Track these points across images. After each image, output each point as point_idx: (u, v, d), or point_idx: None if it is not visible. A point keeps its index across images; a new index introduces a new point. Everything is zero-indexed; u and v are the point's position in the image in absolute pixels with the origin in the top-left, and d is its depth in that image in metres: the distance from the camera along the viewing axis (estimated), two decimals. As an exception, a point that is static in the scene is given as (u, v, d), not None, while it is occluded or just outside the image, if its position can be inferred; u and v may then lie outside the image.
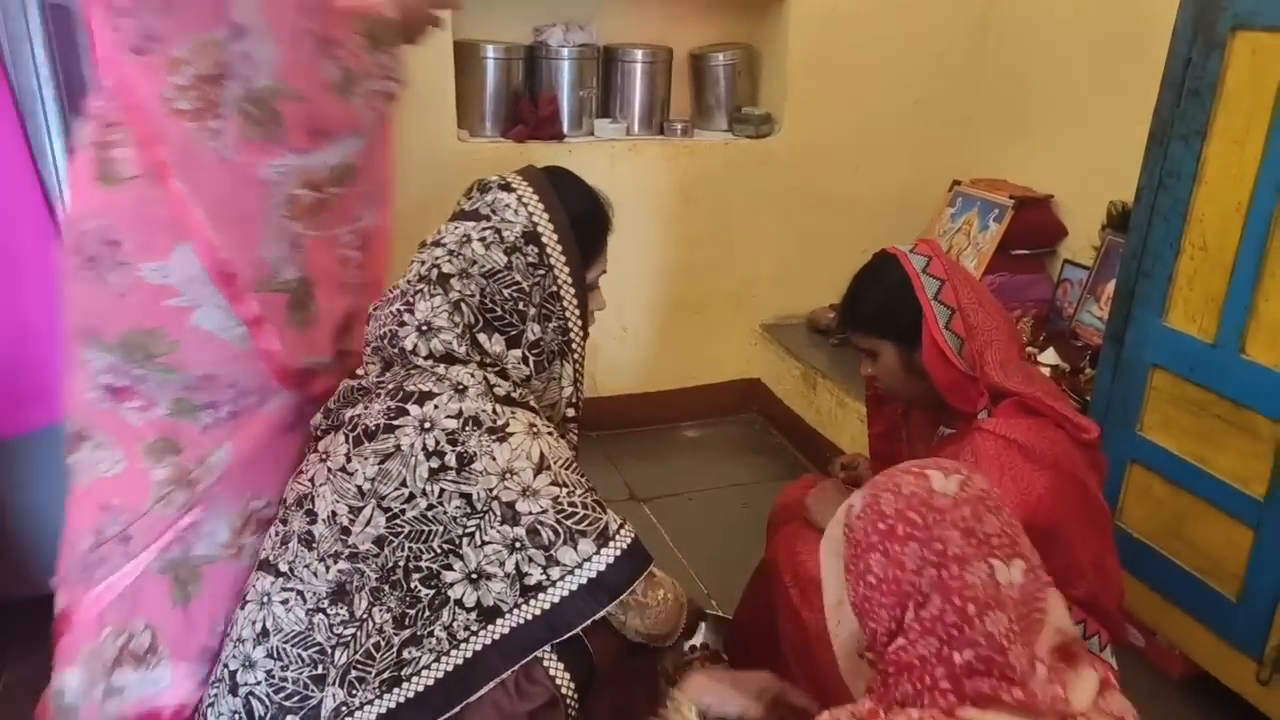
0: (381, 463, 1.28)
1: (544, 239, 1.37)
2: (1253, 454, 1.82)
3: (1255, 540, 1.83)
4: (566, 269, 1.38)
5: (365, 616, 1.27)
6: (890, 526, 1.02)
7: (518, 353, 1.37)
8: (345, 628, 1.28)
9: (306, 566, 1.31)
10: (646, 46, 2.96)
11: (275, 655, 1.30)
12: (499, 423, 1.28)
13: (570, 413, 1.45)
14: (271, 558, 1.36)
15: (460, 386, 1.30)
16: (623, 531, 1.30)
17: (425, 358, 1.34)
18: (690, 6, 3.08)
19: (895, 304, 1.56)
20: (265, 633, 1.32)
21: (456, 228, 1.38)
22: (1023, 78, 3.01)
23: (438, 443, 1.26)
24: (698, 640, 1.99)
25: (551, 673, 1.30)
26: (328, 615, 1.29)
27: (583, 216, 1.43)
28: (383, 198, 1.70)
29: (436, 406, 1.28)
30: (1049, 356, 2.50)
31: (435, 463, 1.25)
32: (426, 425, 1.27)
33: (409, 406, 1.29)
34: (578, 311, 1.40)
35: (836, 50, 3.02)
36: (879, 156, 3.19)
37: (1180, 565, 1.98)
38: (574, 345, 1.41)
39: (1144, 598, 2.04)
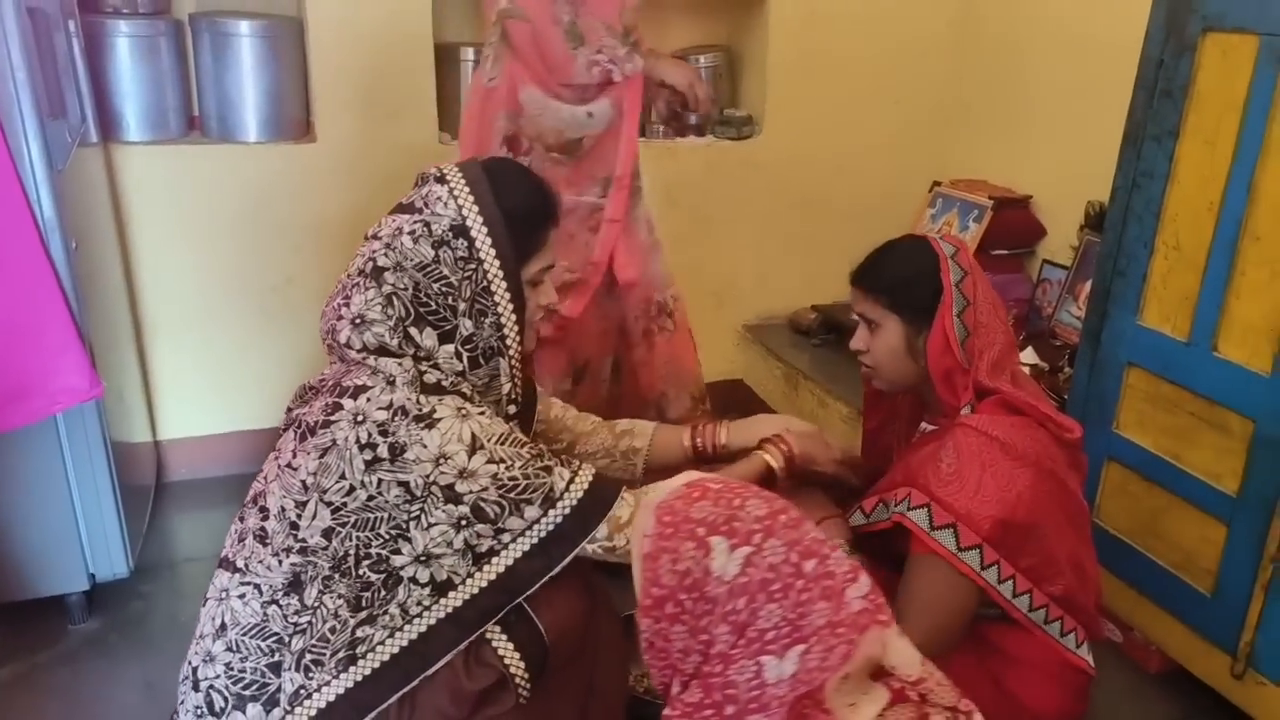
0: (321, 457, 1.29)
1: (473, 232, 1.34)
2: (1226, 450, 1.84)
3: (1228, 536, 1.84)
4: (497, 263, 1.34)
5: (316, 604, 1.28)
6: (661, 598, 0.96)
7: (450, 348, 1.34)
8: (300, 616, 1.29)
9: (260, 562, 1.32)
10: (628, 49, 2.97)
11: (234, 648, 1.31)
12: (425, 410, 1.28)
13: (512, 409, 1.43)
14: (230, 555, 1.37)
15: (390, 378, 1.30)
16: (573, 487, 1.31)
17: (359, 350, 1.34)
18: (671, 9, 3.09)
19: (918, 280, 1.57)
20: (224, 627, 1.33)
21: (393, 220, 1.37)
22: (1001, 79, 3.03)
23: (370, 435, 1.27)
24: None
25: (500, 652, 1.31)
26: (282, 606, 1.30)
27: (518, 209, 1.38)
28: (618, 186, 2.12)
29: (369, 400, 1.29)
30: (1028, 356, 2.52)
31: (369, 455, 1.27)
32: (359, 418, 1.29)
33: (344, 401, 1.31)
34: (511, 306, 1.36)
35: (816, 52, 3.04)
36: (859, 158, 3.20)
37: (1156, 561, 2.00)
38: (509, 341, 1.38)
39: (1121, 593, 2.06)
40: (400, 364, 1.31)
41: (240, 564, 1.34)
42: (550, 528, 1.29)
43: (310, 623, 1.28)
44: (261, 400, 2.72)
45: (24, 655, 2.05)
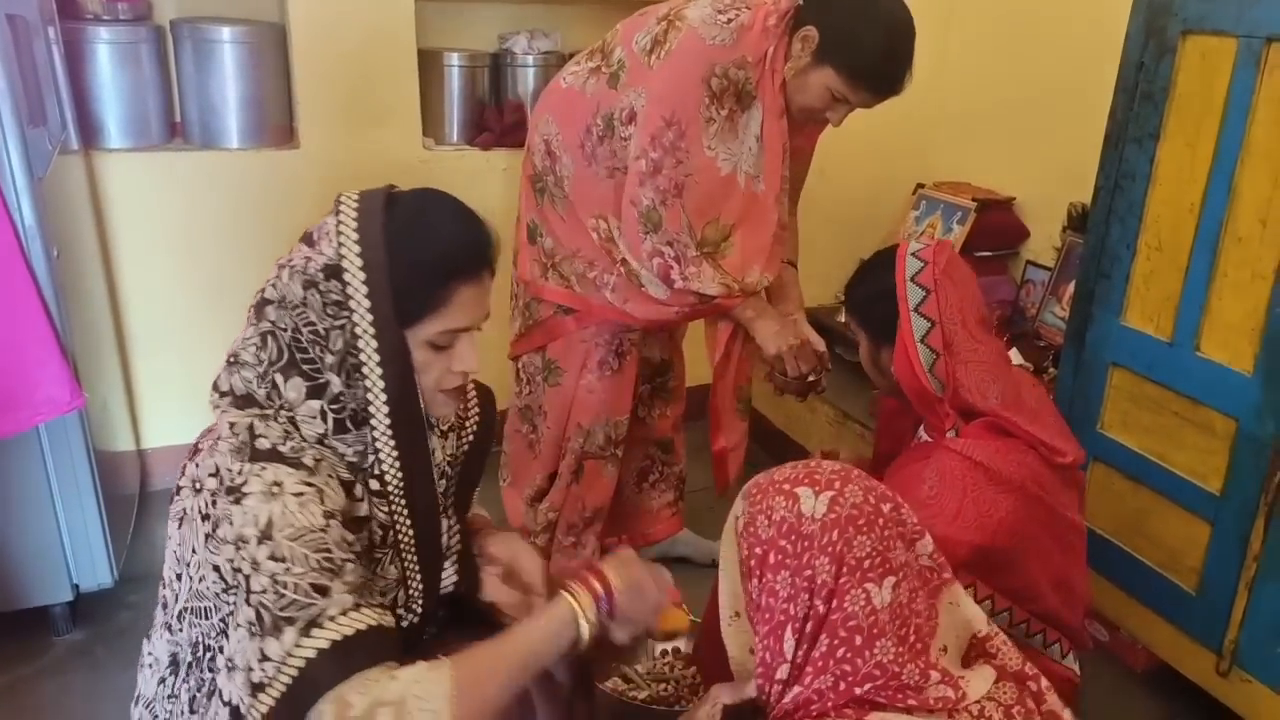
0: (179, 527, 1.16)
1: (346, 275, 1.12)
2: (1209, 450, 1.86)
3: (1213, 534, 1.86)
4: (369, 316, 1.12)
5: (177, 693, 1.18)
6: (763, 554, 1.03)
7: (317, 404, 1.13)
8: (170, 703, 1.20)
9: (156, 632, 1.23)
10: (611, 53, 2.97)
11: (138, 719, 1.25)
12: (237, 481, 1.08)
13: (375, 485, 1.18)
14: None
15: (217, 437, 1.13)
16: (341, 620, 1.05)
17: (222, 395, 1.17)
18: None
19: (876, 302, 1.58)
20: (139, 696, 1.27)
21: (295, 250, 1.19)
22: (983, 81, 3.05)
23: (205, 505, 1.11)
24: (668, 644, 2.00)
25: None
26: (166, 686, 1.21)
27: (415, 256, 1.14)
28: None
29: (199, 465, 1.14)
30: (1013, 357, 2.53)
31: (208, 527, 1.10)
32: (197, 486, 1.13)
33: (189, 464, 1.17)
34: (380, 369, 1.13)
35: (800, 56, 3.04)
36: (843, 161, 3.19)
37: (1141, 560, 2.02)
38: (374, 409, 1.14)
39: (1107, 592, 2.07)
40: (233, 420, 1.13)
41: (150, 631, 1.26)
42: (300, 663, 1.02)
43: (171, 712, 1.19)
44: (246, 408, 2.71)
45: (8, 668, 2.03)
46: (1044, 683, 1.14)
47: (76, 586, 2.07)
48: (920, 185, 3.12)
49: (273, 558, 1.05)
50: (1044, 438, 1.52)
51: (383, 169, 2.67)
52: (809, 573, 1.01)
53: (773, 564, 1.02)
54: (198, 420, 2.76)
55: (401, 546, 1.22)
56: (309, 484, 1.09)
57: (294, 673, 1.02)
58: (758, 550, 1.04)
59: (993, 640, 1.14)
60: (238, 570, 1.06)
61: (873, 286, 1.59)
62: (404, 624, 1.23)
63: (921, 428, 1.70)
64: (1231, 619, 1.83)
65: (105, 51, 2.41)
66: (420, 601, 1.25)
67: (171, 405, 2.69)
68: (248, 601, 1.05)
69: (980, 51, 3.05)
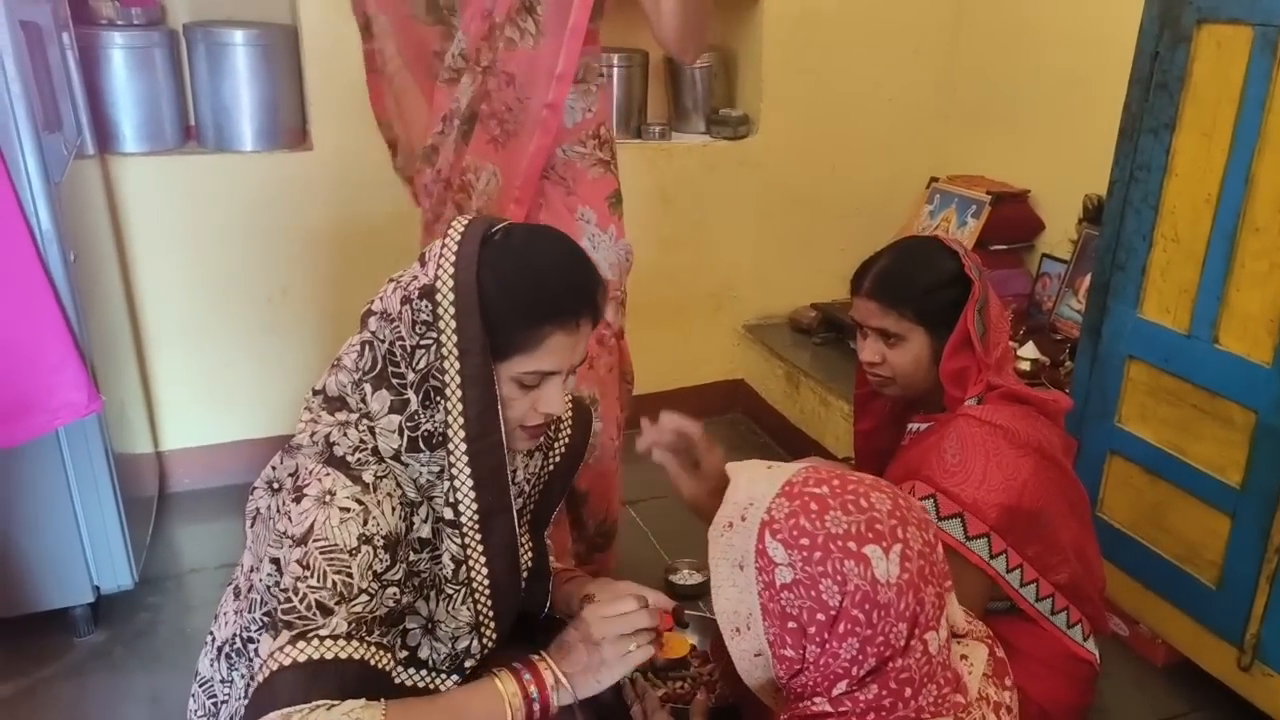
0: (251, 525, 1.22)
1: (438, 296, 1.11)
2: (1228, 442, 1.84)
3: (1233, 527, 1.84)
4: (455, 337, 1.11)
5: (231, 678, 1.23)
6: (830, 620, 0.96)
7: (396, 419, 1.13)
8: (224, 686, 1.23)
9: (224, 614, 1.27)
10: (622, 50, 2.97)
11: (194, 695, 1.28)
12: (304, 481, 1.11)
13: (449, 514, 1.17)
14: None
15: (297, 445, 1.17)
16: (327, 642, 1.04)
17: (317, 393, 1.20)
18: (665, 10, 3.09)
19: (946, 285, 1.56)
20: (196, 673, 1.30)
21: (410, 266, 1.20)
22: (996, 73, 3.03)
23: (281, 503, 1.15)
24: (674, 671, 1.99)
25: None
26: (218, 669, 1.24)
27: (507, 294, 1.13)
28: None
29: (275, 468, 1.20)
30: (1029, 350, 2.52)
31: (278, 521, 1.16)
32: (275, 486, 1.19)
33: (268, 468, 1.22)
34: (460, 393, 1.11)
35: (811, 50, 3.04)
36: (856, 155, 3.20)
37: (1160, 554, 2.00)
38: (451, 433, 1.13)
39: (1126, 587, 2.06)
40: (314, 434, 1.16)
41: (217, 610, 1.30)
42: (275, 666, 1.03)
43: (229, 696, 1.22)
44: (262, 409, 2.72)
45: (29, 669, 2.04)
46: (998, 649, 1.15)
47: (97, 588, 2.09)
48: (934, 179, 3.11)
49: (299, 562, 1.07)
50: (1047, 397, 1.59)
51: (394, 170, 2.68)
52: (882, 639, 0.95)
53: (841, 632, 0.95)
54: (215, 422, 2.80)
55: (475, 585, 1.20)
56: (359, 501, 1.10)
57: (267, 674, 1.03)
58: (820, 616, 0.96)
59: (972, 622, 1.15)
60: (282, 567, 1.09)
61: (940, 273, 1.57)
62: (467, 670, 1.24)
63: (911, 425, 1.70)
64: (1253, 613, 1.81)
65: (119, 56, 2.43)
66: (489, 648, 1.24)
67: (189, 407, 2.70)
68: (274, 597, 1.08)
69: (993, 42, 3.04)
